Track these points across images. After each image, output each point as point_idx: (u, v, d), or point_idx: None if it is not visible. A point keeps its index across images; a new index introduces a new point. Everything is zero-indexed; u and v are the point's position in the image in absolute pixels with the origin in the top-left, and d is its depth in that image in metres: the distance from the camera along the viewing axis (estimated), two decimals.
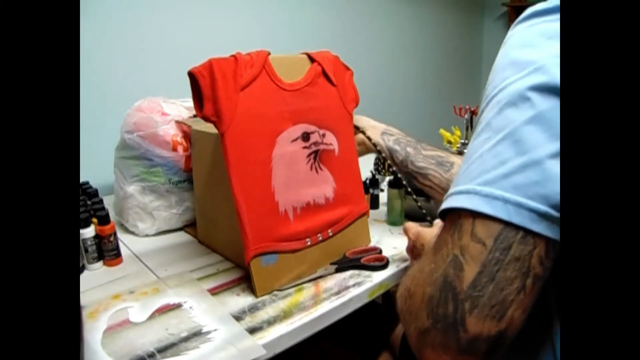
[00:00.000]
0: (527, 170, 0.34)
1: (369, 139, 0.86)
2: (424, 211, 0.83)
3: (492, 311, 0.33)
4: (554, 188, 0.33)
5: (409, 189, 0.85)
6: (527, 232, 0.34)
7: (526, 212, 0.33)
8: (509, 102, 0.36)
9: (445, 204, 0.38)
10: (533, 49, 0.37)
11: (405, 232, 0.71)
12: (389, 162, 0.86)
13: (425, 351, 0.36)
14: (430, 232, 0.65)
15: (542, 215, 0.33)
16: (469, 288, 0.34)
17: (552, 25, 0.37)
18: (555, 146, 0.33)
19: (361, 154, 0.93)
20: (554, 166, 0.33)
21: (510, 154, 0.35)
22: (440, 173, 0.80)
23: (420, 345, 0.37)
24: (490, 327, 0.33)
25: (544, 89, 0.35)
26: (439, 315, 0.35)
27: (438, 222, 0.68)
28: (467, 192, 0.36)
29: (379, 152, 0.86)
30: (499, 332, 0.33)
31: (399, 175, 0.85)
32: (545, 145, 0.34)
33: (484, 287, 0.33)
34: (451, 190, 0.38)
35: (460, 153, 1.15)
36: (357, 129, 0.89)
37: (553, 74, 0.34)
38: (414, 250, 0.59)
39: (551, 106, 0.34)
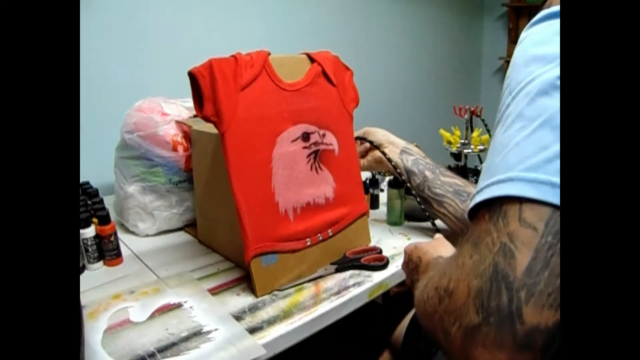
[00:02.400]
0: None
1: (390, 160, 0.85)
2: (422, 206, 0.83)
3: (549, 299, 0.31)
4: None
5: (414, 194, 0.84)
6: None
7: None
8: (540, 92, 0.36)
9: (485, 195, 0.36)
10: (552, 46, 0.37)
11: (404, 251, 0.68)
12: (406, 184, 0.84)
13: (476, 351, 0.32)
14: (427, 245, 0.62)
15: None
16: (524, 276, 0.31)
17: None
18: None
19: (375, 170, 0.90)
20: None
21: (550, 140, 0.34)
22: (457, 203, 0.79)
23: (468, 347, 0.33)
24: (548, 317, 0.31)
25: None
26: (491, 309, 0.32)
27: (438, 236, 0.66)
28: (510, 180, 0.34)
29: (398, 173, 0.85)
30: (556, 323, 0.31)
31: (413, 193, 0.84)
32: None
33: (539, 274, 0.31)
34: (485, 182, 0.37)
35: (460, 153, 1.15)
36: (375, 147, 0.87)
37: None
38: (409, 263, 0.56)
39: None
